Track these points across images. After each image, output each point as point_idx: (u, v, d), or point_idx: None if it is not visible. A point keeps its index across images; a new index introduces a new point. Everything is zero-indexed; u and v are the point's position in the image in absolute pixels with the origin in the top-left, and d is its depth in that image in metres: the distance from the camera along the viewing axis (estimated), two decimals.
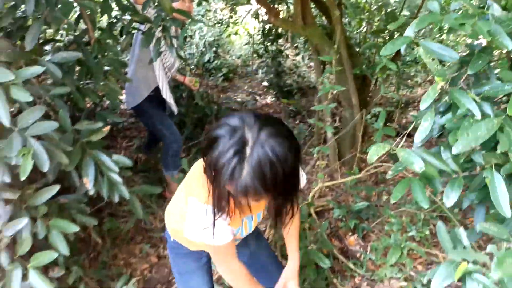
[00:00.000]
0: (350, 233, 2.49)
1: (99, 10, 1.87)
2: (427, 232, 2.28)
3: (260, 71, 5.10)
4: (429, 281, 1.88)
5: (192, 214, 1.16)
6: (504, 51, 1.31)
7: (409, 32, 1.19)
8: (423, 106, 1.11)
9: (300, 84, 4.75)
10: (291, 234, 1.44)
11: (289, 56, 5.10)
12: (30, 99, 1.31)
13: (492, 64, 1.36)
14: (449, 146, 1.32)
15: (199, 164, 1.20)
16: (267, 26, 4.22)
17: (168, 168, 2.73)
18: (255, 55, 5.19)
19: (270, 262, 1.59)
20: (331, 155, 3.05)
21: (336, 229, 2.53)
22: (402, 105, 3.76)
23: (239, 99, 4.54)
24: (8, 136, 1.44)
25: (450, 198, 1.27)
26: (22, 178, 1.37)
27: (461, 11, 1.17)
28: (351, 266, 2.20)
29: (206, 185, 1.04)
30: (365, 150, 2.88)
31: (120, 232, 2.39)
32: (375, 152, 1.21)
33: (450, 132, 1.27)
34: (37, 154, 1.44)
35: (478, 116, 1.07)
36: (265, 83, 4.86)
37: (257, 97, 4.68)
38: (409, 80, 4.49)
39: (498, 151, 1.10)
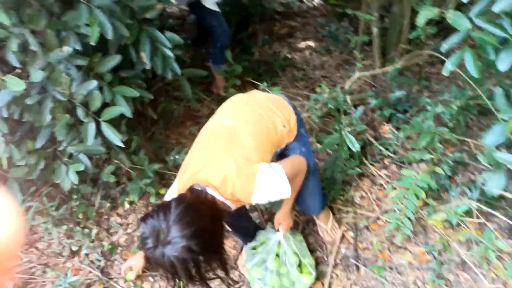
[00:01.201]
0: (385, 123, 2.60)
1: None
2: (462, 121, 2.34)
3: None
4: (457, 164, 2.02)
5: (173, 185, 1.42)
6: None
7: None
8: None
9: None
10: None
11: None
12: None
13: None
14: (509, 15, 1.35)
15: None
16: None
17: (216, 61, 2.89)
18: None
19: None
20: (376, 53, 3.06)
21: (372, 119, 2.66)
22: None
23: (284, 1, 4.47)
24: (77, 7, 1.64)
25: (503, 62, 1.34)
26: (93, 43, 1.59)
27: None
28: (381, 148, 2.34)
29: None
30: (411, 40, 2.87)
31: (172, 115, 2.66)
32: (424, 15, 1.28)
33: None
34: (102, 23, 1.63)
35: None
36: None
37: (304, 0, 4.58)
38: None
39: None
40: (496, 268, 1.76)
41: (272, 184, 1.30)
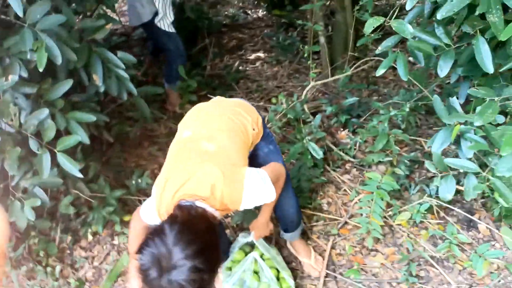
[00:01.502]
0: (342, 129, 2.68)
1: None
2: (412, 122, 2.46)
3: None
4: (413, 162, 2.11)
5: (148, 201, 1.36)
6: None
7: None
8: None
9: None
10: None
11: None
12: None
13: None
14: (441, 23, 1.45)
15: None
16: None
17: (170, 80, 2.82)
18: None
19: None
20: (324, 61, 3.15)
21: (328, 126, 2.72)
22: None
23: (230, 14, 4.50)
24: (20, 32, 1.53)
25: (443, 69, 1.44)
26: (41, 69, 1.49)
27: None
28: (341, 154, 2.41)
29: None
30: (357, 46, 2.98)
31: (128, 137, 2.56)
32: (371, 24, 1.34)
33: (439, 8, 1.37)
34: (49, 47, 1.53)
35: None
36: None
37: (248, 11, 4.63)
38: None
39: (476, 13, 1.23)
40: (462, 260, 1.86)
41: (259, 188, 1.30)
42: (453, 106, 1.48)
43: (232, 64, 3.53)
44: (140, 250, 1.07)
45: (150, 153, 2.55)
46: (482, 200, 2.11)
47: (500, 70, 1.37)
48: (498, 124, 1.34)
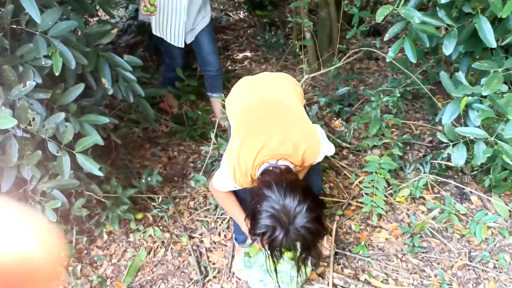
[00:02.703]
0: (335, 118, 2.81)
1: None
2: (401, 106, 2.61)
3: None
4: (406, 145, 2.25)
5: (221, 170, 1.44)
6: None
7: None
8: None
9: None
10: None
11: None
12: None
13: None
14: (443, 6, 1.58)
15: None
16: None
17: (163, 85, 2.88)
18: None
19: None
20: (311, 56, 3.27)
21: (322, 116, 2.85)
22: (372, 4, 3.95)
23: (212, 17, 4.57)
24: (33, 40, 1.58)
25: (448, 47, 1.57)
26: (57, 73, 1.55)
27: None
28: (339, 141, 2.53)
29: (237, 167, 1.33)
30: (345, 39, 3.11)
31: (132, 139, 2.61)
32: (381, 13, 1.45)
33: None
34: (62, 53, 1.59)
35: None
36: None
37: (230, 13, 4.73)
38: None
39: None
40: (459, 230, 2.01)
41: (327, 142, 1.40)
42: (459, 80, 1.62)
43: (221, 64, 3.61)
44: (254, 223, 1.18)
45: (153, 153, 2.61)
46: (472, 173, 2.27)
47: (502, 44, 1.52)
48: (502, 93, 1.48)
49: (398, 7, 1.41)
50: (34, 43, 1.57)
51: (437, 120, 1.70)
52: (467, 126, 1.62)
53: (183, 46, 2.52)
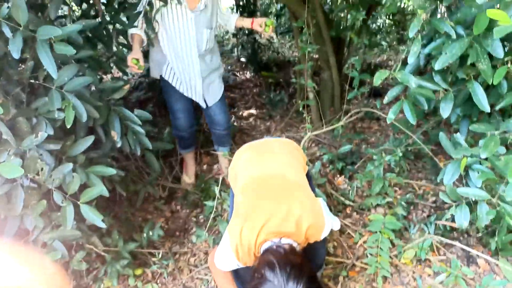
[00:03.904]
0: (338, 175, 2.82)
1: None
2: (404, 166, 2.63)
3: (235, 49, 5.34)
4: (409, 204, 2.26)
5: (223, 248, 1.38)
6: None
7: None
8: (411, 33, 1.44)
9: (276, 59, 5.04)
10: None
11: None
12: (74, 52, 1.51)
13: None
14: (439, 72, 1.66)
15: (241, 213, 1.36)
16: (240, 3, 4.43)
17: (183, 148, 2.80)
18: (230, 34, 5.42)
19: None
20: (314, 115, 3.37)
21: (325, 173, 2.86)
22: (372, 67, 4.13)
23: None
24: (49, 94, 1.66)
25: (445, 110, 1.64)
26: (68, 126, 1.60)
27: None
28: (342, 198, 2.53)
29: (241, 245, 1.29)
30: (348, 99, 3.21)
31: (136, 191, 2.62)
32: (379, 77, 1.53)
33: (433, 59, 1.59)
34: (75, 106, 1.66)
35: (453, 36, 1.40)
36: (242, 59, 5.11)
37: (237, 73, 4.93)
38: (375, 48, 4.87)
39: (468, 62, 1.44)
40: None
41: (331, 216, 1.37)
42: (458, 142, 1.65)
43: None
44: None
45: (156, 207, 2.60)
46: (478, 235, 2.23)
47: (496, 108, 1.58)
48: (500, 155, 1.50)
49: (395, 71, 1.49)
50: (50, 97, 1.64)
51: (438, 181, 1.72)
52: (468, 186, 1.63)
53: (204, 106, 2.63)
